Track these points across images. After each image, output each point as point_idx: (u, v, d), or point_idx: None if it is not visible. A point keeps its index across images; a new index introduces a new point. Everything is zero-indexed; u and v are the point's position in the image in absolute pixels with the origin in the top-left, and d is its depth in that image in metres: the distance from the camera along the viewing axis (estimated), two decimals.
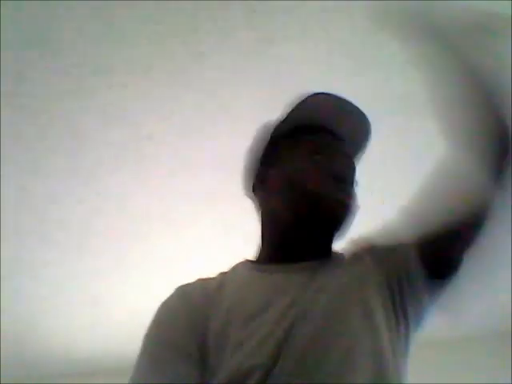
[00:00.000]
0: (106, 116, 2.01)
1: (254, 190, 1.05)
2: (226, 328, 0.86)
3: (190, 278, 0.99)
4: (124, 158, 2.19)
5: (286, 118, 1.00)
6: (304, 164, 0.97)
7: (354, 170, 1.01)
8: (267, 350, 0.83)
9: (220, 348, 0.85)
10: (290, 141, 1.01)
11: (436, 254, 0.92)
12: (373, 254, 0.96)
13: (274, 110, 1.04)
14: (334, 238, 0.99)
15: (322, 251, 0.98)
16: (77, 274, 2.76)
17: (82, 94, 1.91)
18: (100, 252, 2.63)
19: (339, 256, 0.99)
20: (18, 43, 1.72)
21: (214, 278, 0.97)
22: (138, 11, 1.68)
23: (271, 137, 1.02)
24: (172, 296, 0.95)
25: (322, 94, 1.00)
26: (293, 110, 1.00)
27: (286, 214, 0.96)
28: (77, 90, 1.89)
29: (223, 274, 0.99)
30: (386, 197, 2.34)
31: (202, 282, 0.96)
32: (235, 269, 1.00)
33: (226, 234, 2.53)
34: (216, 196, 2.33)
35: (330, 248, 1.00)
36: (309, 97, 0.99)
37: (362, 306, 0.88)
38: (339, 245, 1.01)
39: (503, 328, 3.27)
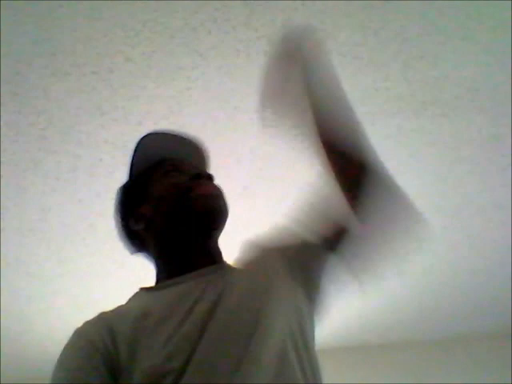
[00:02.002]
0: (106, 116, 2.01)
1: (135, 237, 1.11)
2: (135, 339, 0.90)
3: None
4: (124, 158, 2.19)
5: (134, 164, 1.13)
6: (167, 181, 1.08)
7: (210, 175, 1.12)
8: (175, 352, 0.87)
9: (131, 357, 0.88)
10: (145, 177, 1.11)
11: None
12: (278, 248, 1.08)
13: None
14: (218, 231, 1.10)
15: (214, 256, 1.08)
16: (76, 274, 2.76)
17: (82, 94, 1.91)
18: (100, 252, 2.63)
19: (231, 264, 1.08)
20: (18, 43, 1.73)
21: (112, 310, 1.01)
22: (138, 11, 1.68)
23: (127, 185, 1.14)
24: (71, 337, 0.96)
25: (152, 133, 1.16)
26: (137, 156, 1.13)
27: (171, 224, 1.05)
28: (76, 89, 1.89)
29: (122, 305, 1.03)
30: None
31: (100, 314, 1.00)
32: (134, 295, 1.05)
33: (226, 233, 2.52)
34: None
35: (219, 251, 1.11)
36: (143, 139, 1.13)
37: (267, 298, 0.96)
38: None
39: (503, 328, 3.27)
